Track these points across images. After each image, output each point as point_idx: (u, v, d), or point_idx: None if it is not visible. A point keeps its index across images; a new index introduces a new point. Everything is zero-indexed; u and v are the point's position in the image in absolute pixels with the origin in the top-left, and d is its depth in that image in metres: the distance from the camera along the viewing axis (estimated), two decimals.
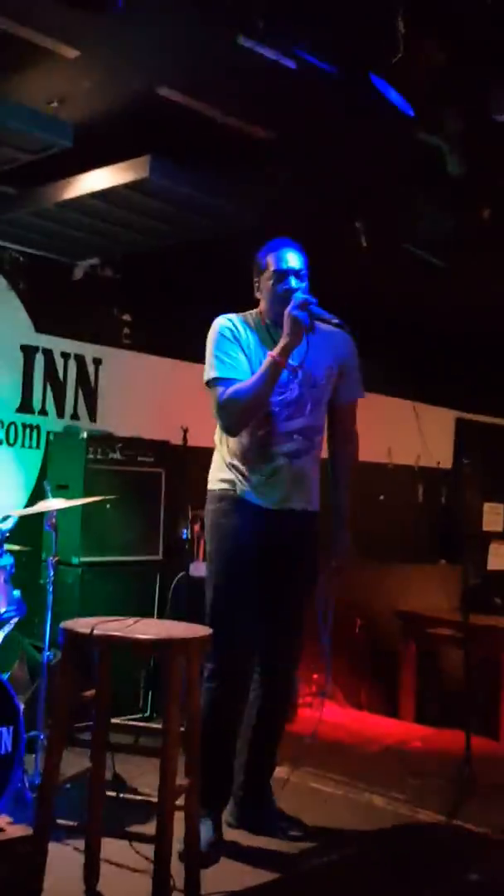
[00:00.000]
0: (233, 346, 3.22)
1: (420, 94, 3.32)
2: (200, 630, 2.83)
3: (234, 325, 3.26)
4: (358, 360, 3.45)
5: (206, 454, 4.69)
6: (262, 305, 3.34)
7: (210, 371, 3.21)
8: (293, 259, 3.27)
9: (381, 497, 7.17)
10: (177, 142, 3.85)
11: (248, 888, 2.69)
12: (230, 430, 3.24)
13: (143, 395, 5.47)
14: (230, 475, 3.30)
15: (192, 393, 5.52)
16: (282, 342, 3.11)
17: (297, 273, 3.25)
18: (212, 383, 3.20)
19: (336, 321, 3.19)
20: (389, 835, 3.57)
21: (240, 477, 3.27)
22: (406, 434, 7.24)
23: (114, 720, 3.03)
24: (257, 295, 3.36)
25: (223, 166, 4.02)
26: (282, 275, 3.24)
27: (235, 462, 3.28)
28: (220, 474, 3.34)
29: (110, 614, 2.94)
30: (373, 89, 3.27)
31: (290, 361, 3.19)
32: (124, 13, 2.69)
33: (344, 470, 3.49)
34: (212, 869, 3.02)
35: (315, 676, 5.71)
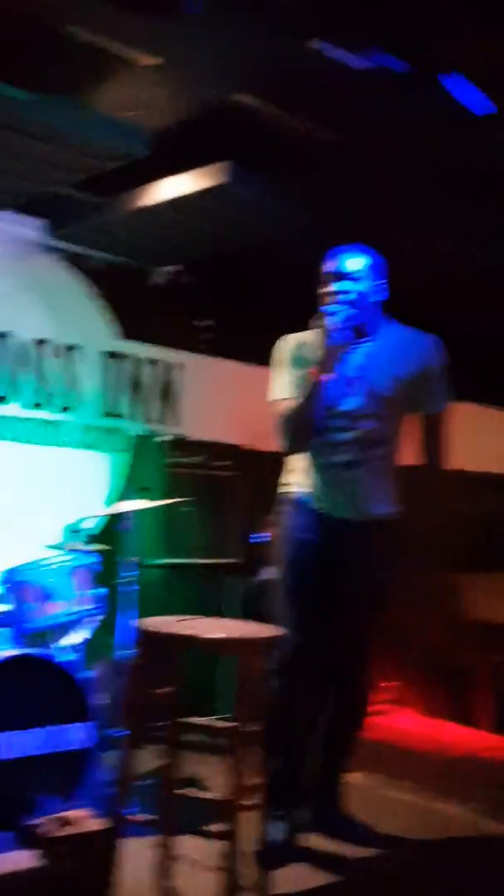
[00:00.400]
0: (289, 365, 3.23)
1: (494, 91, 3.30)
2: (270, 630, 2.85)
3: (289, 344, 3.27)
4: (443, 368, 3.31)
5: (282, 459, 4.72)
6: None
7: (271, 391, 3.27)
8: (344, 262, 3.18)
9: (457, 506, 7.06)
10: (253, 148, 3.89)
11: (313, 888, 2.69)
12: (289, 452, 3.27)
13: (223, 400, 5.52)
14: (292, 478, 3.33)
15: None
16: (320, 359, 3.09)
17: (345, 276, 3.15)
18: (271, 405, 3.25)
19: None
20: (458, 845, 3.52)
21: (305, 481, 3.29)
22: (492, 441, 7.14)
23: (187, 720, 3.08)
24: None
25: (299, 171, 4.04)
26: (330, 279, 3.18)
27: (303, 468, 3.30)
28: (285, 478, 3.37)
29: (189, 614, 2.98)
30: (446, 89, 3.27)
31: (350, 372, 3.17)
32: (195, 19, 2.72)
33: (425, 476, 3.38)
34: (282, 870, 3.04)
35: (389, 684, 5.69)
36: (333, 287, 3.14)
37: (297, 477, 3.31)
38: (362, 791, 3.76)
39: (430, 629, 6.17)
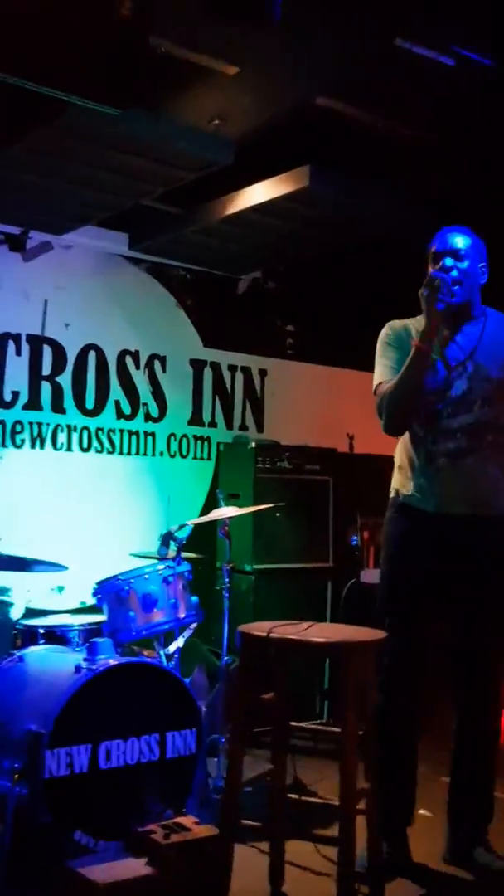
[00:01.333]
0: (392, 350, 3.11)
1: None
2: (373, 634, 2.82)
3: (393, 330, 3.17)
4: None
5: (372, 461, 4.67)
6: None
7: (375, 376, 3.15)
8: (451, 240, 3.07)
9: None
10: (335, 150, 3.88)
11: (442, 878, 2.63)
12: (388, 430, 3.10)
13: (309, 404, 5.52)
14: (398, 480, 3.21)
15: (357, 400, 5.55)
16: (423, 329, 2.96)
17: (453, 253, 3.04)
18: (375, 390, 3.13)
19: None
20: None
21: (405, 481, 3.16)
22: None
23: (292, 724, 3.07)
24: None
25: (382, 171, 4.02)
26: (437, 256, 3.07)
27: (404, 465, 3.19)
28: (393, 481, 3.24)
29: (284, 620, 2.96)
30: None
31: (457, 355, 3.06)
32: (280, 26, 2.73)
33: None
34: (394, 881, 2.98)
35: None
36: (442, 262, 3.03)
37: (400, 477, 3.20)
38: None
39: None
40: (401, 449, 3.20)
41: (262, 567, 4.73)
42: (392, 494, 3.21)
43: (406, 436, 3.15)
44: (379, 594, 3.22)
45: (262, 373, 5.42)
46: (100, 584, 3.51)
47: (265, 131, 3.79)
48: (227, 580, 3.79)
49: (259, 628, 2.80)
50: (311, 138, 3.86)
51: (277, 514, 4.73)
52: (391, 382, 3.03)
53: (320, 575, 4.95)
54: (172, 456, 5.02)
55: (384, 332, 3.18)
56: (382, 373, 3.11)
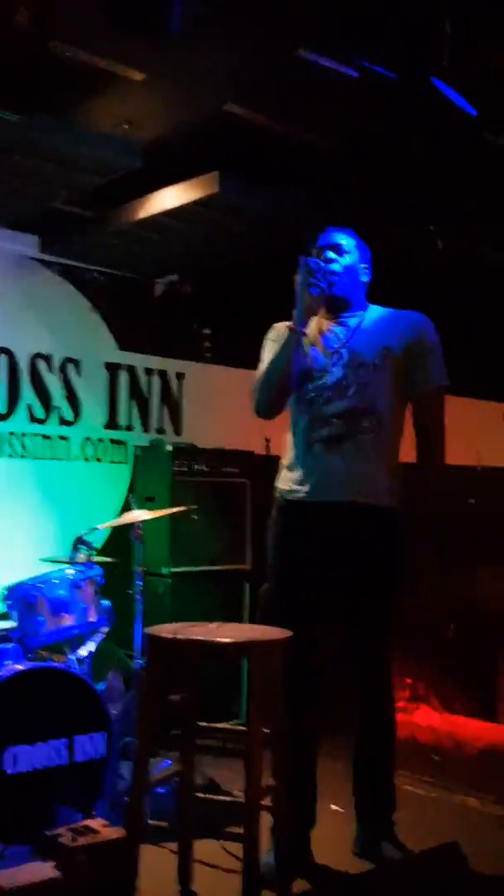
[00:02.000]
0: (275, 345, 3.14)
1: (486, 95, 3.32)
2: (281, 633, 2.87)
3: (276, 329, 3.21)
4: (433, 344, 3.17)
5: None
6: None
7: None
8: (334, 236, 3.18)
9: (471, 500, 7.10)
10: (246, 158, 3.92)
11: (336, 883, 2.71)
12: (258, 409, 3.14)
13: (226, 408, 5.54)
14: (279, 481, 3.22)
15: None
16: (295, 311, 3.01)
17: (335, 247, 3.14)
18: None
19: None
20: (480, 835, 3.54)
21: (284, 478, 3.19)
22: (495, 436, 7.16)
23: (202, 724, 3.10)
24: None
25: (293, 180, 4.07)
26: (319, 250, 3.15)
27: (284, 463, 3.21)
28: (276, 482, 3.26)
29: (202, 622, 2.99)
30: (436, 93, 3.29)
31: (333, 343, 3.13)
32: (182, 34, 2.76)
33: (420, 465, 3.17)
34: (303, 870, 3.05)
35: (408, 681, 5.69)
36: (323, 255, 3.13)
37: (280, 476, 3.21)
38: None
39: (447, 624, 6.19)
40: (285, 449, 3.24)
41: (179, 570, 4.75)
42: (275, 496, 3.24)
43: (287, 438, 3.21)
44: (268, 599, 3.25)
45: (180, 376, 5.44)
46: (8, 589, 3.50)
47: (176, 137, 3.81)
48: (139, 583, 3.80)
49: (166, 630, 2.83)
50: (221, 145, 3.90)
51: (194, 517, 4.76)
52: (264, 367, 3.11)
53: (238, 577, 4.99)
54: (87, 460, 5.01)
55: (268, 333, 3.25)
56: (262, 364, 3.18)
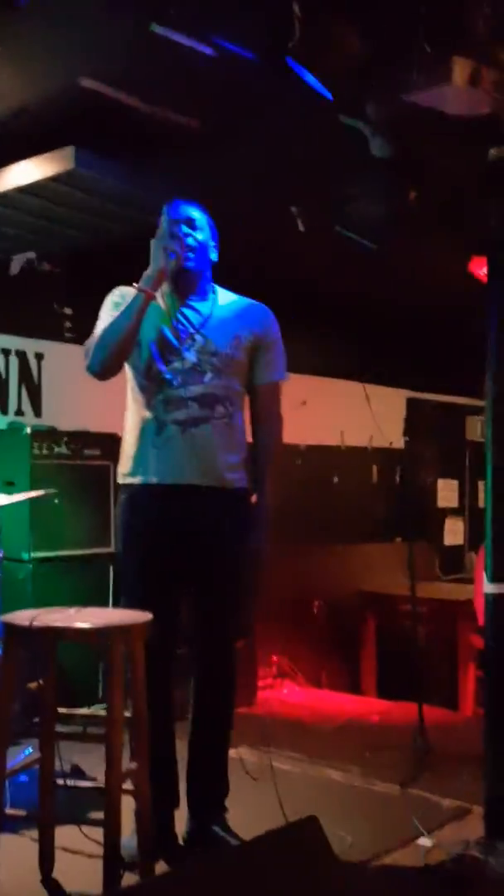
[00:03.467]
0: (118, 308, 3.10)
1: (339, 78, 3.35)
2: (142, 616, 2.85)
3: (122, 291, 3.18)
4: (277, 338, 3.27)
5: None
6: None
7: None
8: (187, 210, 3.18)
9: (336, 479, 7.24)
10: (103, 133, 3.85)
11: (196, 863, 2.72)
12: (94, 367, 3.06)
13: (88, 389, 5.39)
14: (122, 466, 3.18)
15: None
16: (149, 273, 3.03)
17: (189, 222, 3.15)
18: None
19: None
20: (342, 805, 3.63)
21: (127, 462, 3.14)
22: (358, 415, 7.30)
23: (64, 710, 3.06)
24: None
25: (150, 157, 4.03)
26: (172, 223, 3.14)
27: (127, 448, 3.16)
28: (119, 467, 3.21)
29: (66, 607, 2.94)
30: (291, 73, 3.30)
31: (187, 328, 3.12)
32: (32, 7, 2.68)
33: (260, 453, 3.23)
34: (165, 852, 3.06)
35: (274, 658, 5.78)
36: (178, 228, 3.12)
37: (124, 461, 3.17)
38: (249, 766, 3.82)
39: (313, 601, 6.30)
40: (126, 435, 3.20)
41: (41, 555, 4.67)
42: (120, 482, 3.20)
43: (130, 421, 3.17)
44: (121, 586, 3.23)
45: (39, 356, 5.32)
46: None
47: (31, 111, 3.72)
48: None
49: (23, 617, 2.77)
50: (79, 121, 3.82)
51: (56, 501, 4.68)
52: (106, 324, 3.06)
53: (102, 561, 4.94)
54: None
55: (113, 293, 3.21)
56: (97, 326, 3.13)
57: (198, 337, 3.13)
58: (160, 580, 3.13)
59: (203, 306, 3.18)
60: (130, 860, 2.81)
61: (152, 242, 3.04)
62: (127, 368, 3.17)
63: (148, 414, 3.11)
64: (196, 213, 3.20)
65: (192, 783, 3.22)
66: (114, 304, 3.15)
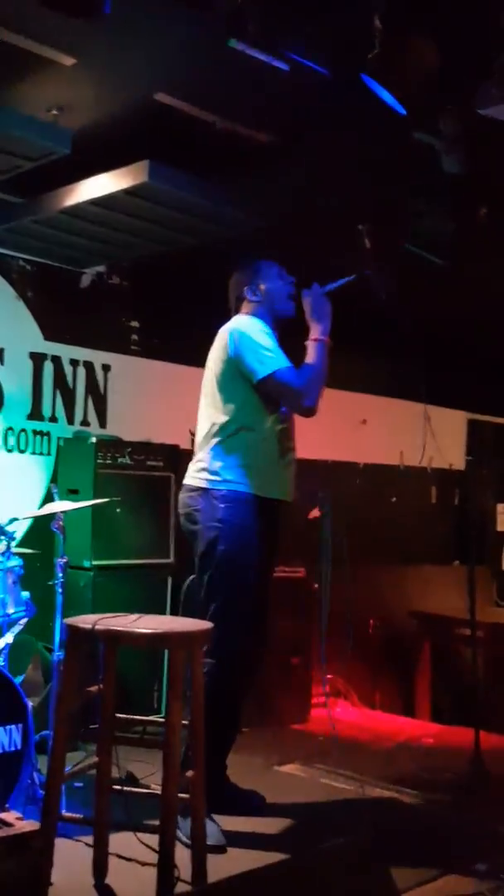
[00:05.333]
0: (273, 339, 3.45)
1: (413, 93, 3.35)
2: (201, 624, 2.87)
3: (251, 322, 3.49)
4: None
5: None
6: (260, 311, 3.58)
7: (267, 364, 3.37)
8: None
9: (394, 499, 7.19)
10: (177, 147, 3.90)
11: (253, 870, 2.70)
12: (314, 410, 3.42)
13: (152, 401, 5.52)
14: (241, 473, 3.39)
15: (199, 397, 5.61)
16: (324, 325, 3.48)
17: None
18: (276, 374, 3.36)
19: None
20: (396, 825, 3.59)
21: (253, 472, 3.40)
22: (418, 436, 7.26)
23: (121, 716, 3.07)
24: (252, 298, 3.59)
25: (223, 170, 4.07)
26: (283, 270, 3.64)
27: (250, 457, 3.40)
28: (227, 474, 3.39)
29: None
30: (365, 89, 3.31)
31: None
32: (113, 18, 2.73)
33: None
34: (218, 858, 3.05)
35: (330, 676, 5.73)
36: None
37: (239, 470, 3.40)
38: (302, 782, 3.80)
39: (369, 621, 6.25)
40: (242, 444, 3.43)
41: (101, 563, 4.71)
42: (226, 488, 3.37)
43: (247, 438, 3.42)
44: (229, 589, 3.34)
45: (106, 368, 5.39)
46: None
47: (106, 124, 3.79)
48: (60, 575, 3.75)
49: (85, 620, 2.80)
50: (152, 134, 3.87)
51: (118, 510, 4.72)
52: (313, 370, 3.42)
53: (161, 571, 4.97)
54: (10, 451, 4.93)
55: (256, 323, 3.49)
56: (277, 358, 3.39)
57: None
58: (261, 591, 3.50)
59: None
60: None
61: (312, 297, 3.53)
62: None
63: (272, 437, 3.48)
64: None
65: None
66: (267, 335, 3.47)
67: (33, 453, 5.01)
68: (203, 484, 3.41)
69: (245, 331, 3.41)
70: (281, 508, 3.52)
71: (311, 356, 3.45)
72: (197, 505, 3.42)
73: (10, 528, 3.65)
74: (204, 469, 3.43)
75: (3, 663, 3.41)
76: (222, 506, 3.36)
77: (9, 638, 3.51)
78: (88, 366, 5.31)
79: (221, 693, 3.25)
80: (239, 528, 3.35)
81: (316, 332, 3.48)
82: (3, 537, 3.55)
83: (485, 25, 2.99)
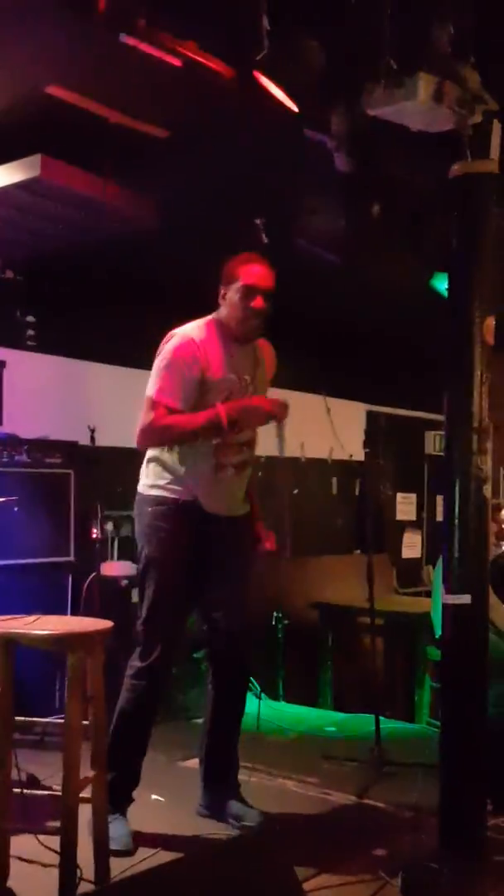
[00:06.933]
0: (186, 370, 3.26)
1: (304, 92, 3.39)
2: (101, 624, 2.85)
3: (195, 345, 3.29)
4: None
5: (115, 454, 4.67)
6: (223, 314, 3.39)
7: (154, 389, 3.27)
8: (263, 277, 3.35)
9: (296, 491, 7.25)
10: (70, 141, 3.86)
11: (154, 867, 2.71)
12: (144, 449, 3.39)
13: (50, 397, 5.45)
14: (169, 481, 3.38)
15: (100, 393, 5.57)
16: (236, 418, 3.28)
17: (265, 293, 3.33)
18: (152, 402, 3.25)
19: None
20: (298, 815, 3.64)
21: (181, 482, 3.36)
22: (318, 428, 7.33)
23: (21, 718, 3.04)
24: (220, 301, 3.40)
25: (117, 165, 4.04)
26: (250, 291, 3.32)
27: (181, 469, 3.36)
28: (157, 480, 3.40)
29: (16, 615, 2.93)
30: (258, 86, 3.33)
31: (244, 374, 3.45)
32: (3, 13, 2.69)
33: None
34: (123, 858, 3.06)
35: None
36: (258, 299, 3.34)
37: (171, 479, 3.38)
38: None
39: (271, 613, 6.30)
40: (176, 453, 3.39)
41: None
42: (156, 493, 3.39)
43: (180, 450, 3.37)
44: (147, 587, 3.38)
45: (1, 364, 5.29)
46: None
47: None
48: None
49: None
50: (45, 128, 3.82)
51: (15, 509, 4.65)
52: (178, 425, 3.27)
53: (61, 569, 4.91)
54: None
55: (180, 346, 3.30)
56: (165, 390, 3.27)
57: (251, 385, 3.59)
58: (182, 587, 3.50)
59: (247, 351, 3.55)
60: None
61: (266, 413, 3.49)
62: None
63: (205, 450, 3.36)
64: (270, 280, 3.42)
65: (210, 762, 3.55)
66: (179, 363, 3.28)
67: None
68: (140, 489, 3.46)
69: (169, 344, 3.34)
70: (236, 523, 3.49)
71: (198, 415, 3.26)
72: (135, 510, 3.49)
73: None
74: (142, 475, 3.47)
75: None
76: (149, 509, 3.40)
77: None
78: None
79: (141, 695, 3.32)
80: (159, 532, 3.37)
81: (225, 407, 3.27)
82: None
83: (374, 26, 3.04)
